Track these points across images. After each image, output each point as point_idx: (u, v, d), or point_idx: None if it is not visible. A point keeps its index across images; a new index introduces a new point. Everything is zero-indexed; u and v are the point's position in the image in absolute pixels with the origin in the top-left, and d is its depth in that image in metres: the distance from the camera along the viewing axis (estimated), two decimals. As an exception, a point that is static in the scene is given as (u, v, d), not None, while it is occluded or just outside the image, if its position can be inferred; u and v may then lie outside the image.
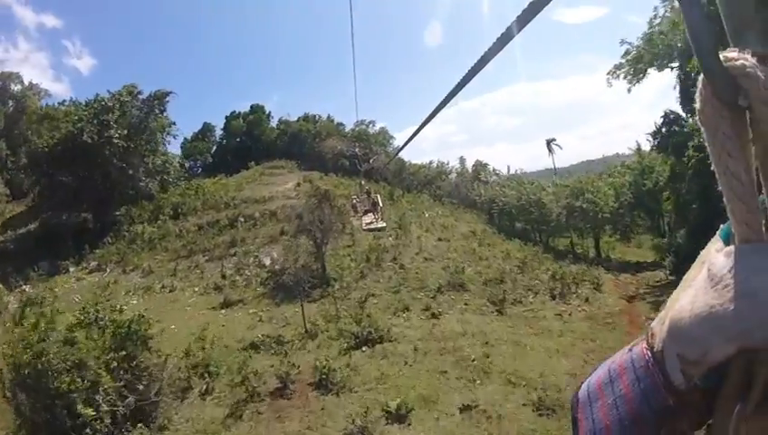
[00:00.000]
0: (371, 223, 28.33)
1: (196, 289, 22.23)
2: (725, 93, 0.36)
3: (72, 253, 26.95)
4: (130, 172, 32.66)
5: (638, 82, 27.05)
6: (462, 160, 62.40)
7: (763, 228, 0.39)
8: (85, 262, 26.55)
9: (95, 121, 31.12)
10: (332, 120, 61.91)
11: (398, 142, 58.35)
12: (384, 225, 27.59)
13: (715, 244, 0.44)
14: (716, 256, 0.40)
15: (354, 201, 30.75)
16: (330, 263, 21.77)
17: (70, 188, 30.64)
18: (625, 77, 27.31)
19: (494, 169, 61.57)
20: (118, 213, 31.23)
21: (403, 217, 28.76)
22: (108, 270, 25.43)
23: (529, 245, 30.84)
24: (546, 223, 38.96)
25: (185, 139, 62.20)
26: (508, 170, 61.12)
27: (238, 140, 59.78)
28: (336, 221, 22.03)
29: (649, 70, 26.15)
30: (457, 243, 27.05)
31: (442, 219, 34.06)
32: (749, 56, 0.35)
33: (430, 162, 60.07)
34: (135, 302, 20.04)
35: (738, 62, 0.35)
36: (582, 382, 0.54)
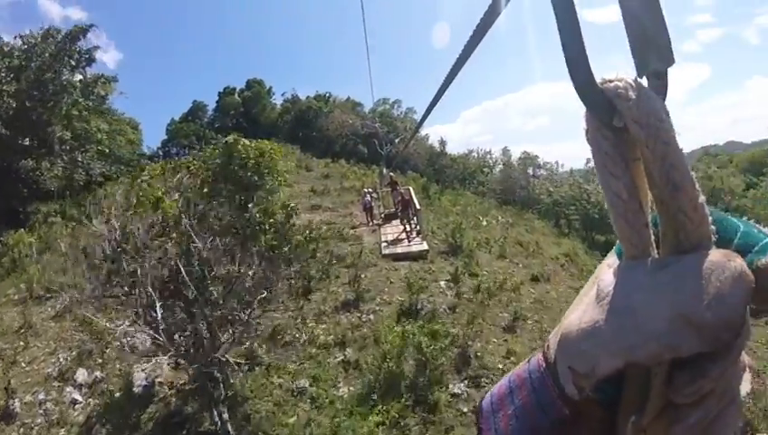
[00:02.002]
0: (401, 241, 14.59)
1: None
2: (604, 115, 0.37)
3: None
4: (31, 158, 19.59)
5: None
6: (506, 152, 48.37)
7: (652, 245, 0.38)
8: None
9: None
10: (349, 100, 48.48)
11: (426, 131, 44.69)
12: (424, 247, 13.74)
13: (608, 259, 0.43)
14: (606, 272, 0.40)
15: (367, 198, 17.15)
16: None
17: None
18: None
19: (545, 163, 46.91)
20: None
21: (459, 232, 14.73)
22: None
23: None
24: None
25: (171, 119, 50.27)
26: (557, 166, 46.41)
27: (233, 120, 46.70)
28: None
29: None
30: (561, 285, 13.16)
31: (512, 231, 20.15)
32: (624, 78, 0.36)
33: (470, 151, 45.98)
34: None
35: (612, 85, 0.36)
36: (486, 394, 0.53)
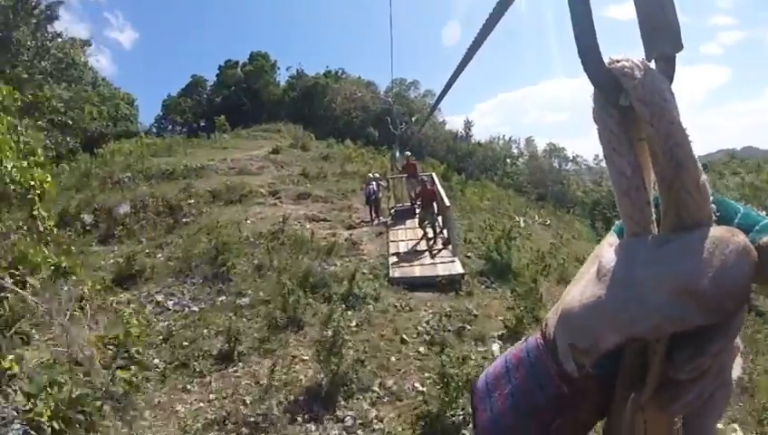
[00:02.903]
0: (419, 255, 9.34)
1: None
2: (610, 93, 0.37)
3: None
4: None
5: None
6: (530, 142, 42.73)
7: (653, 223, 0.39)
8: None
9: None
10: (361, 79, 42.96)
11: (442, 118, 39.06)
12: (458, 268, 8.45)
13: (609, 238, 0.44)
14: (607, 249, 0.40)
15: (372, 186, 12.02)
16: None
17: None
18: None
19: (575, 156, 41.14)
20: None
21: (506, 242, 9.39)
22: None
23: None
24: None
25: (168, 95, 45.48)
26: (585, 160, 40.77)
27: (234, 96, 41.61)
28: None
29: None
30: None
31: (559, 240, 14.91)
32: (632, 59, 0.36)
33: (494, 138, 40.36)
34: None
35: (619, 64, 0.36)
36: (481, 374, 0.52)
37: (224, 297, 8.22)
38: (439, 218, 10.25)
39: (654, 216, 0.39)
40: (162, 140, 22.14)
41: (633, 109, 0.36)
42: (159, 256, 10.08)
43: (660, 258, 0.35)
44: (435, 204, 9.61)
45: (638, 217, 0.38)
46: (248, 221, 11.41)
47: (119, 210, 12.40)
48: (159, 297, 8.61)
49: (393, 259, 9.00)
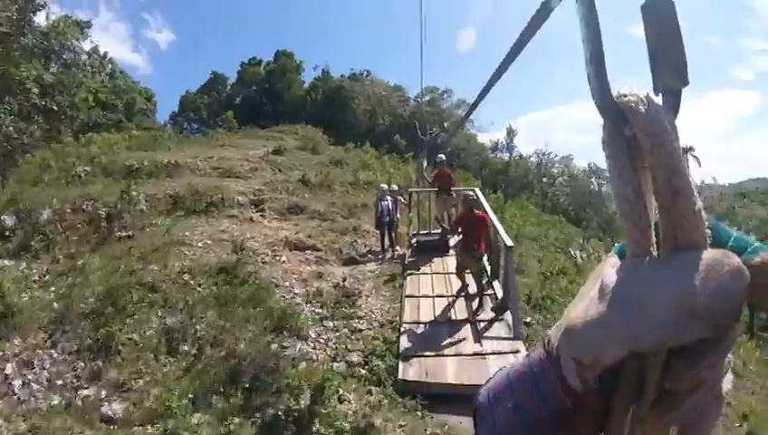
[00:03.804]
0: (468, 333, 5.27)
1: None
2: (617, 124, 0.39)
3: None
4: None
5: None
6: (568, 161, 38.09)
7: (653, 245, 0.40)
8: None
9: None
10: (390, 84, 39.32)
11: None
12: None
13: (610, 259, 0.44)
14: (609, 269, 0.41)
15: (386, 202, 8.14)
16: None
17: None
18: None
19: None
20: None
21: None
22: None
23: None
24: None
25: (187, 91, 42.98)
26: None
27: (255, 96, 38.71)
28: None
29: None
30: None
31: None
32: (638, 93, 0.38)
33: (529, 155, 35.95)
34: None
35: (626, 99, 0.38)
36: (481, 388, 0.52)
37: (92, 391, 4.44)
38: (488, 264, 6.24)
39: (654, 238, 0.40)
40: (148, 133, 18.74)
41: (636, 139, 0.38)
42: (52, 288, 6.45)
43: (661, 277, 0.37)
44: (483, 240, 5.60)
45: (640, 239, 0.40)
46: (199, 244, 7.64)
47: (41, 214, 8.87)
48: (9, 369, 5.05)
49: (408, 339, 5.00)
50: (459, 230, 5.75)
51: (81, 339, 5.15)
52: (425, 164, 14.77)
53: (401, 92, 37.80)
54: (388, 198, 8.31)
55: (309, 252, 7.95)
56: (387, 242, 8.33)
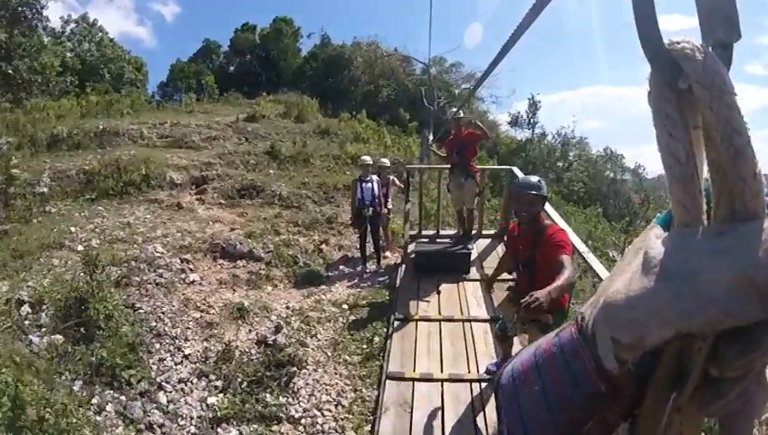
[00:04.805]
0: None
1: None
2: (669, 75, 0.35)
3: None
4: None
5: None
6: (583, 144, 34.02)
7: (704, 213, 0.36)
8: None
9: None
10: (397, 52, 35.50)
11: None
12: None
13: (654, 230, 0.40)
14: (654, 240, 0.37)
15: (370, 185, 5.16)
16: None
17: None
18: None
19: (636, 165, 31.82)
20: None
21: None
22: None
23: None
24: None
25: (178, 60, 39.56)
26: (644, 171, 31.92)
27: (250, 65, 35.27)
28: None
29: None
30: None
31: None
32: (692, 40, 0.34)
33: (543, 134, 32.08)
34: None
35: (679, 46, 0.34)
36: (504, 367, 0.48)
37: None
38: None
39: (705, 206, 0.35)
40: (104, 99, 15.54)
41: (691, 93, 0.33)
42: None
43: (717, 249, 0.31)
44: (566, 289, 2.37)
45: (690, 205, 0.35)
46: (79, 247, 4.74)
47: None
48: None
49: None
50: (512, 245, 2.65)
51: None
52: (431, 138, 11.57)
53: (409, 62, 34.18)
54: (374, 177, 5.24)
55: (243, 263, 4.93)
56: (368, 248, 5.30)
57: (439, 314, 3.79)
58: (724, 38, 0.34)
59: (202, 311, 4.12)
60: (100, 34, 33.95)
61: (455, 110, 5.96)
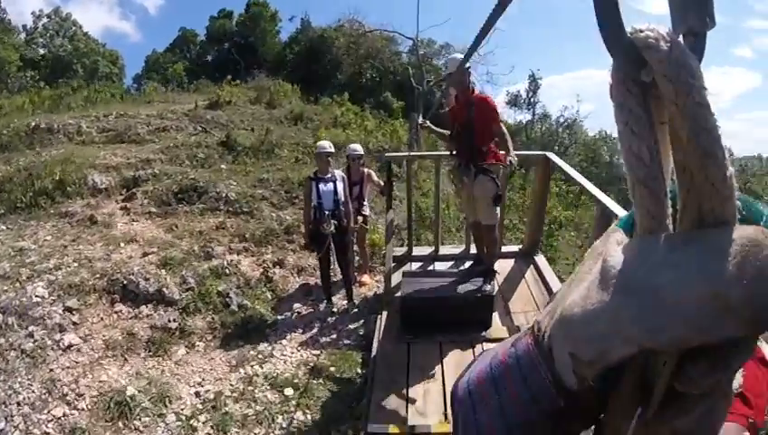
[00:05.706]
0: None
1: None
2: (631, 67, 0.31)
3: None
4: None
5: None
6: (579, 126, 32.06)
7: (669, 218, 0.33)
8: None
9: None
10: (382, 33, 33.29)
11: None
12: None
13: (614, 235, 0.36)
14: (614, 247, 0.34)
15: (332, 185, 3.72)
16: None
17: None
18: None
19: None
20: None
21: None
22: None
23: None
24: None
25: (153, 50, 37.35)
26: None
27: (227, 53, 33.09)
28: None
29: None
30: None
31: None
32: (657, 28, 0.30)
33: (543, 114, 30.06)
34: None
35: (642, 34, 0.30)
36: (461, 377, 0.45)
37: None
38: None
39: (671, 211, 0.33)
40: (56, 92, 13.58)
41: (656, 86, 0.30)
42: None
43: (684, 260, 0.29)
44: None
45: (654, 210, 0.32)
46: None
47: None
48: None
49: None
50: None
51: None
52: (419, 120, 9.84)
53: (395, 43, 32.04)
54: (338, 173, 3.60)
55: (148, 310, 3.27)
56: (331, 276, 3.65)
57: (445, 417, 2.15)
58: (696, 26, 0.31)
59: (69, 403, 2.50)
60: (73, 28, 32.38)
61: (457, 56, 3.96)
